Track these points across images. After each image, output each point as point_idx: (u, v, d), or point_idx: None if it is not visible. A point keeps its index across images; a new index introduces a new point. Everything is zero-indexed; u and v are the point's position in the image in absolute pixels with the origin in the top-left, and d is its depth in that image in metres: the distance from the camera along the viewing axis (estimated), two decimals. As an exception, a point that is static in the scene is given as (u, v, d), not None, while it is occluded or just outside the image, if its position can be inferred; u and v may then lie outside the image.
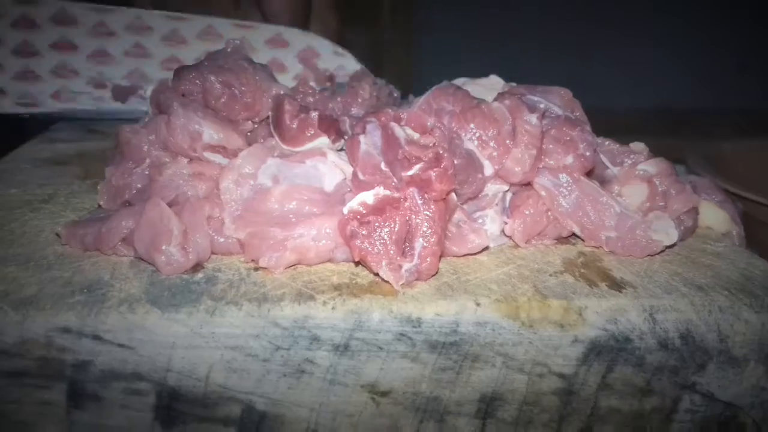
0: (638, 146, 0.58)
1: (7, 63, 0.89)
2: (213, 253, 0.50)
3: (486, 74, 0.66)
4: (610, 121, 0.60)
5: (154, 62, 0.93)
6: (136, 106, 0.92)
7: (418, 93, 0.59)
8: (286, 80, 0.92)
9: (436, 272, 0.48)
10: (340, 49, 0.95)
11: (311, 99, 0.66)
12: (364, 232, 0.46)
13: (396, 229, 0.47)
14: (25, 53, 0.89)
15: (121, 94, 0.92)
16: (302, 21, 1.02)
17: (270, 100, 0.60)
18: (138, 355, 0.42)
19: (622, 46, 1.42)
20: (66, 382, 0.43)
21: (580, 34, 1.41)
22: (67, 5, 0.90)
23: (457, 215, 0.51)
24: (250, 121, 0.60)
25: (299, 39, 0.95)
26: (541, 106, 0.56)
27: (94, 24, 0.90)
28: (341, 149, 0.58)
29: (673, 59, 1.40)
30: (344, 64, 0.97)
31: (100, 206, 0.57)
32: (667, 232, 0.52)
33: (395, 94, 0.73)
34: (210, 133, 0.55)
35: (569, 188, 0.53)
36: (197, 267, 0.48)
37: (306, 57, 0.95)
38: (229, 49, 0.62)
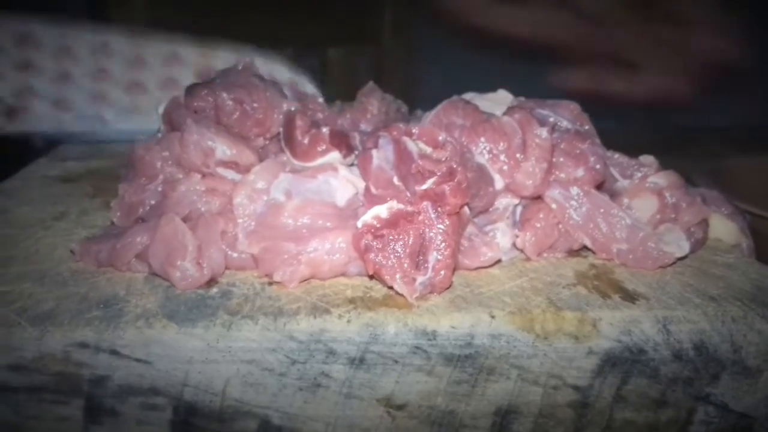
0: (647, 159, 0.59)
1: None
2: (227, 268, 0.50)
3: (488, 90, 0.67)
4: (612, 139, 0.61)
5: None
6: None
7: (423, 109, 0.60)
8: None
9: (450, 285, 0.48)
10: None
11: (320, 115, 0.66)
12: (378, 246, 0.47)
13: (410, 242, 0.47)
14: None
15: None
16: None
17: (281, 116, 0.60)
18: (155, 369, 0.42)
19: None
20: (83, 398, 0.43)
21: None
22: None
23: (469, 228, 0.52)
24: (261, 137, 0.61)
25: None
26: (551, 119, 0.57)
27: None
28: (352, 164, 0.58)
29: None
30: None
31: (112, 223, 0.57)
32: (678, 244, 0.52)
33: (403, 110, 0.74)
34: (223, 149, 0.55)
35: (580, 201, 0.54)
36: (212, 282, 0.49)
37: None
38: (240, 67, 0.63)
